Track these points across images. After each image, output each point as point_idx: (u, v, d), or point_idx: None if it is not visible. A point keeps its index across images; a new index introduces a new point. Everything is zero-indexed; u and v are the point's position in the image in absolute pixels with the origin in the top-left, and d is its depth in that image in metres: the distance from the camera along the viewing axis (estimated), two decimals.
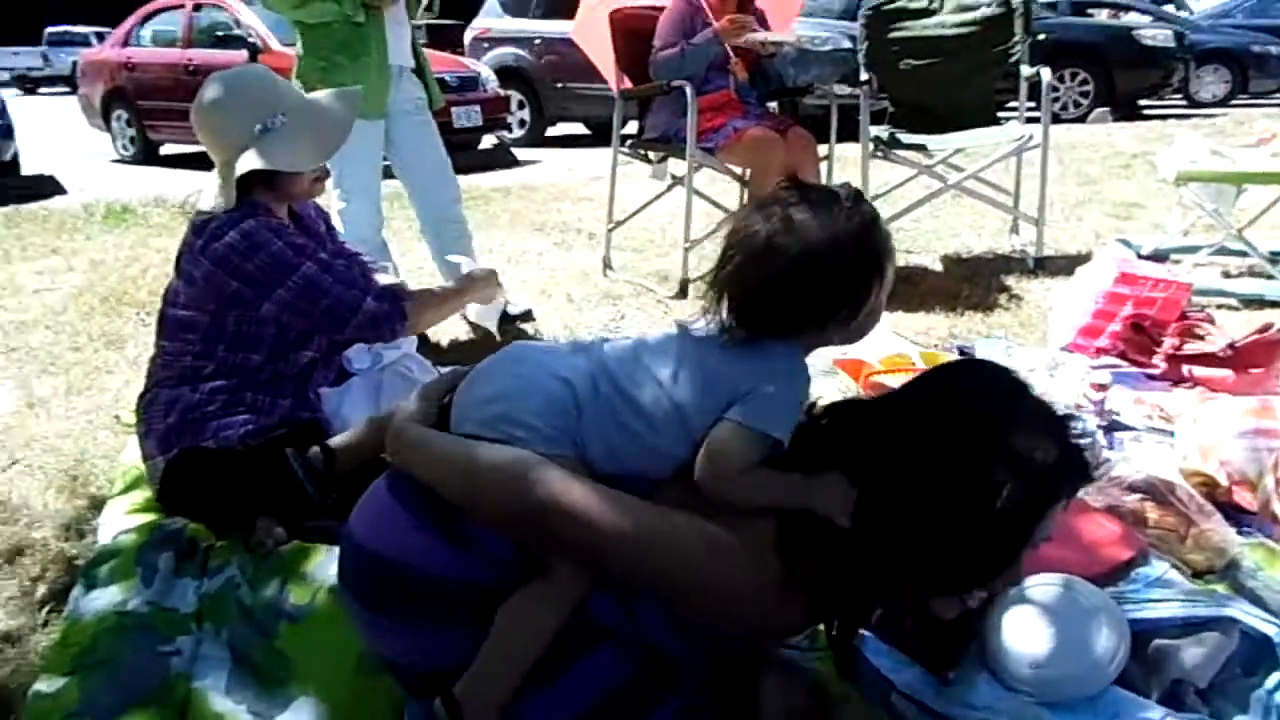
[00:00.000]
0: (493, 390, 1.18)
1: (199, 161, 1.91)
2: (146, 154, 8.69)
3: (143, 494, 1.91)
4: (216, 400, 1.78)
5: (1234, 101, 10.78)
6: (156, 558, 1.66)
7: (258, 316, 1.79)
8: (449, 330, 3.16)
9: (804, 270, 1.08)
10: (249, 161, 1.78)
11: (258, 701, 1.38)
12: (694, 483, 1.11)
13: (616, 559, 1.10)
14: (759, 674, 1.24)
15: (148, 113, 8.45)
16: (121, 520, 1.84)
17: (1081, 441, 1.08)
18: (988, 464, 1.03)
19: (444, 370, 1.50)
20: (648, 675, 1.14)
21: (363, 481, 1.27)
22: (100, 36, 16.55)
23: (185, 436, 1.76)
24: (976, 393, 1.12)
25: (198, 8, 8.41)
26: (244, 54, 7.34)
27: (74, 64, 11.64)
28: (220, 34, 8.16)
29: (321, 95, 2.00)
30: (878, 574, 1.09)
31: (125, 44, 8.79)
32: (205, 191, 1.86)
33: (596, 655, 1.13)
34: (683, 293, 3.47)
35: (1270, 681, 1.33)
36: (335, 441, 1.56)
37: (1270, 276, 3.30)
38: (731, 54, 3.45)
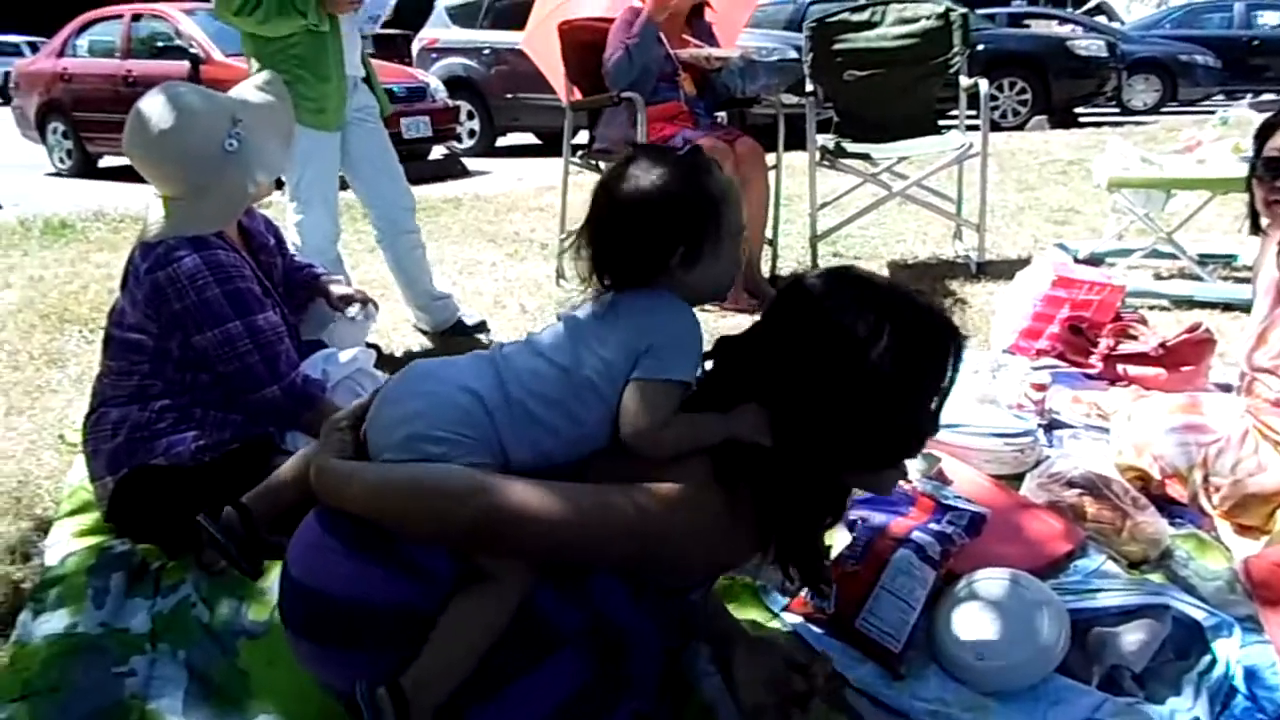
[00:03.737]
0: (401, 413, 1.18)
1: (140, 174, 1.87)
2: (84, 167, 8.47)
3: (91, 516, 1.87)
4: (166, 418, 1.75)
5: (1164, 109, 11.17)
6: (107, 579, 1.64)
7: (194, 345, 1.75)
8: (403, 341, 3.15)
9: (633, 209, 1.17)
10: (235, 186, 1.72)
11: None
12: (623, 447, 1.15)
13: (567, 548, 1.12)
14: (729, 650, 1.27)
15: (85, 124, 8.24)
16: (69, 543, 1.81)
17: (935, 306, 1.18)
18: (855, 353, 1.10)
19: None
20: (603, 681, 1.16)
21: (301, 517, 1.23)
22: (34, 46, 16.09)
23: (135, 455, 1.73)
24: (826, 294, 1.18)
25: (136, 18, 8.23)
26: (185, 65, 7.17)
27: (6, 74, 11.28)
28: (160, 44, 8.00)
29: (245, 90, 1.92)
30: (809, 477, 1.16)
31: (61, 54, 8.57)
32: (152, 208, 1.82)
33: (552, 663, 1.14)
34: None
35: (1201, 664, 1.40)
36: (258, 490, 1.39)
37: (1199, 278, 3.43)
38: (680, 68, 3.49)
